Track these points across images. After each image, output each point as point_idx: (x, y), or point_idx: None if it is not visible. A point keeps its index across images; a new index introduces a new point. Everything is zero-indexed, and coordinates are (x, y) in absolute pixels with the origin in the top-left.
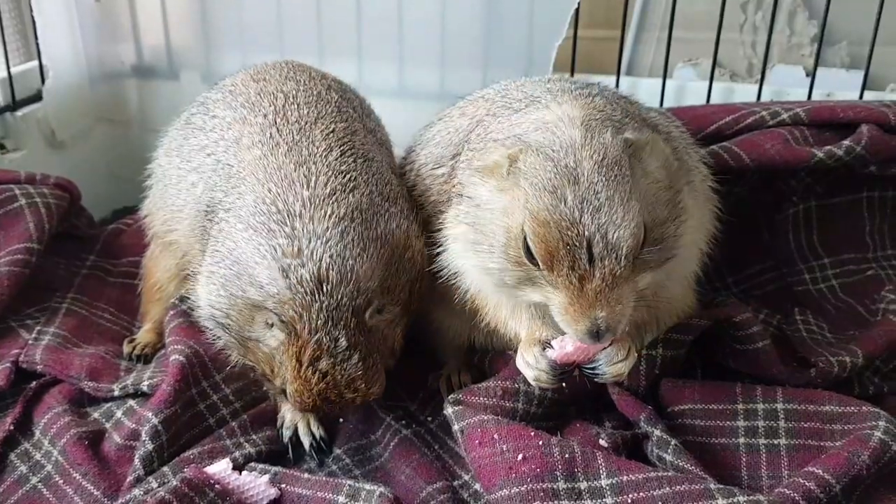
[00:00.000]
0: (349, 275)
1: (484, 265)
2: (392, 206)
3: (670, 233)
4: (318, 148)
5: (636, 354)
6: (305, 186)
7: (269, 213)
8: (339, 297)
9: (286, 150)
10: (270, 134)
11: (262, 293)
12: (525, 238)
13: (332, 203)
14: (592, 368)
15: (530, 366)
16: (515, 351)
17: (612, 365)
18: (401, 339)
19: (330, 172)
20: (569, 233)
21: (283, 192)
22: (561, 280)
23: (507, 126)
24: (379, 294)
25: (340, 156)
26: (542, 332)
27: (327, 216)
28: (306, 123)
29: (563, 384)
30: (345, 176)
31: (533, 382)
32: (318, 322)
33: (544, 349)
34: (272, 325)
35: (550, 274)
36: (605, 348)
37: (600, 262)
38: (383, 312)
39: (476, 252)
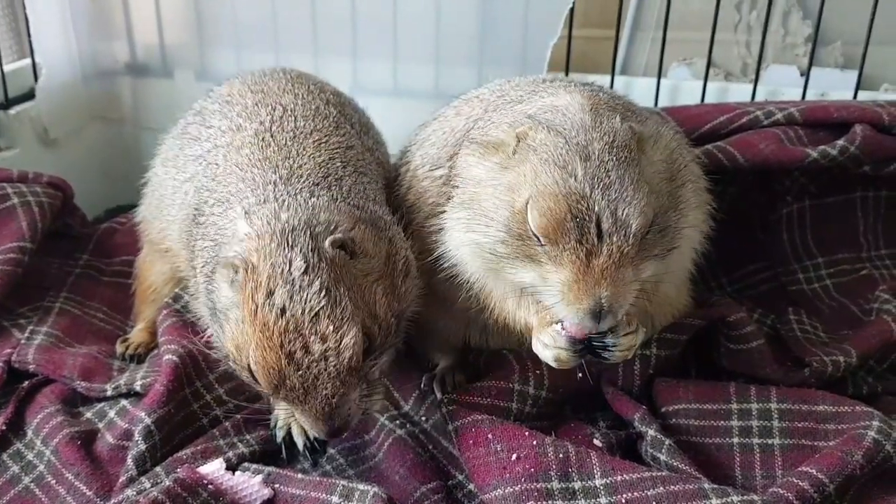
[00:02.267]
0: (310, 209)
1: (478, 240)
2: (377, 207)
3: (672, 222)
4: (307, 150)
5: (644, 330)
6: (287, 168)
7: (245, 186)
8: (296, 222)
9: (276, 149)
10: (263, 137)
11: (227, 247)
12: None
13: (310, 177)
14: (602, 342)
15: (548, 346)
16: (511, 351)
17: (621, 337)
18: (386, 307)
19: (315, 167)
20: (578, 206)
21: (264, 171)
22: (567, 255)
23: (511, 114)
24: (347, 233)
25: (329, 160)
26: (552, 314)
27: (301, 180)
28: (301, 133)
29: (579, 374)
30: (328, 171)
31: (553, 363)
32: (273, 245)
33: (558, 325)
34: (234, 277)
35: (556, 249)
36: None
37: (609, 238)
38: (356, 258)
39: (472, 230)
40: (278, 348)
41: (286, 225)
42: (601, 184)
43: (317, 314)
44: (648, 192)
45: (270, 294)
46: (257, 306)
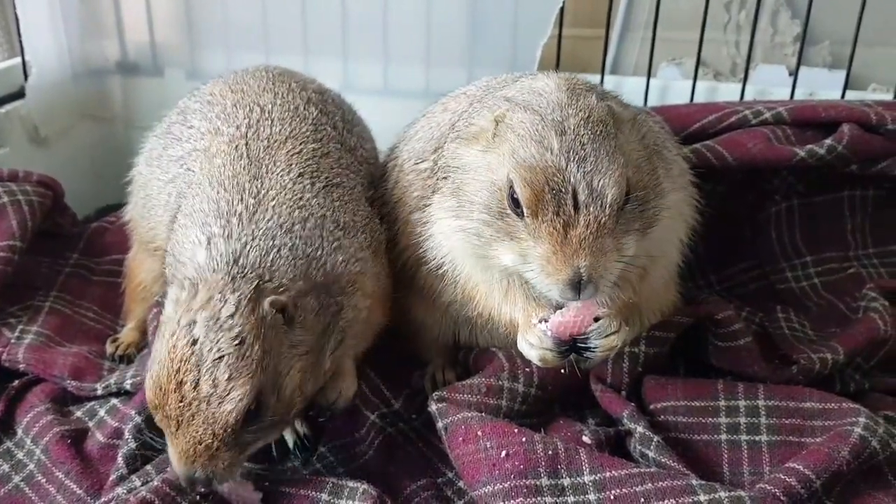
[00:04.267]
0: (269, 262)
1: (464, 226)
2: (346, 239)
3: (651, 199)
4: (277, 167)
5: (627, 329)
6: (253, 196)
7: (208, 211)
8: (249, 271)
9: (246, 164)
10: (237, 146)
11: (184, 268)
12: (511, 187)
13: (274, 212)
14: (585, 343)
15: (534, 346)
16: (500, 349)
17: (604, 338)
18: (295, 387)
19: (281, 189)
20: (555, 179)
21: (230, 196)
22: (545, 227)
23: (492, 100)
24: (293, 300)
25: (298, 177)
26: (538, 313)
27: (266, 220)
28: (275, 142)
29: (564, 369)
30: (296, 195)
31: (538, 363)
32: (221, 283)
33: (544, 325)
34: (179, 297)
35: (534, 221)
36: (597, 319)
37: (585, 209)
38: (292, 327)
39: (459, 217)
40: (174, 372)
41: (241, 269)
42: (577, 156)
43: (220, 358)
44: (624, 163)
45: (193, 324)
46: (178, 328)
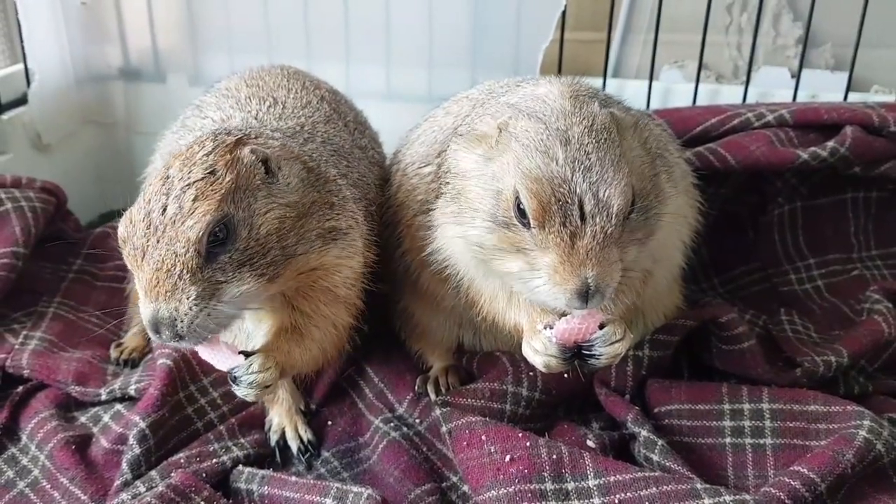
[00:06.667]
0: (256, 134)
1: (467, 233)
2: (339, 178)
3: (654, 207)
4: (287, 123)
5: (632, 336)
6: (260, 120)
7: (231, 111)
8: (232, 131)
9: (257, 125)
10: (248, 122)
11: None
12: (517, 198)
13: (280, 123)
14: (590, 350)
15: (539, 352)
16: (504, 353)
17: (608, 345)
18: (271, 228)
19: (287, 128)
20: (561, 190)
21: (245, 115)
22: (552, 238)
23: (494, 106)
24: (277, 158)
25: (308, 136)
26: (542, 318)
27: (269, 125)
28: (285, 117)
29: (567, 373)
30: (302, 131)
31: (543, 368)
32: (215, 132)
33: (548, 331)
34: None
35: (541, 232)
36: (602, 326)
37: (591, 219)
38: (273, 180)
39: (461, 223)
40: (145, 204)
41: (227, 130)
42: (582, 167)
43: (190, 185)
44: (629, 172)
45: (170, 167)
46: (165, 168)
